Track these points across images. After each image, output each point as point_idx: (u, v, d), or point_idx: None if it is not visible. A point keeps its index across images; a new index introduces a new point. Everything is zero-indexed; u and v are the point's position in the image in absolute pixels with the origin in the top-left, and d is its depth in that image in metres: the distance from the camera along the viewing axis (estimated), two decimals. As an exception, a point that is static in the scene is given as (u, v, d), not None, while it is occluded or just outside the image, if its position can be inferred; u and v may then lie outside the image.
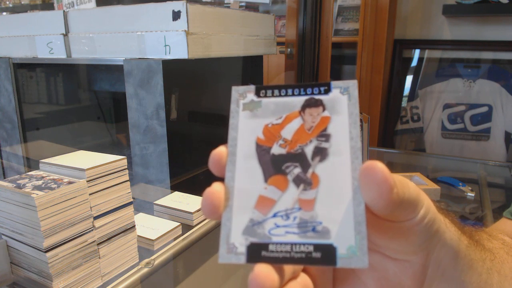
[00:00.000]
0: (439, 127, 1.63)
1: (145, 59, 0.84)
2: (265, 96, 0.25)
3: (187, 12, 0.78)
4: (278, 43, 1.19)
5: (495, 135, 1.54)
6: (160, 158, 0.86)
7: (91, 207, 0.54)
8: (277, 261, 0.21)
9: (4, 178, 0.66)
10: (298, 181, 0.23)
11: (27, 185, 0.51)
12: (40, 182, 0.52)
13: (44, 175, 0.55)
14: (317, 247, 0.21)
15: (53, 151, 1.10)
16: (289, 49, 1.48)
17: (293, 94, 0.24)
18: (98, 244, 0.56)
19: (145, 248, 0.67)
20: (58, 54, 0.98)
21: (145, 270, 0.62)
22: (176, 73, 0.88)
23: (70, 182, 0.52)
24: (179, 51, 0.80)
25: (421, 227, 0.24)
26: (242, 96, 0.25)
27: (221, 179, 0.24)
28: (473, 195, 0.92)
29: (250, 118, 0.24)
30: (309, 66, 1.49)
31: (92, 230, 0.55)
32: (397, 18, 1.64)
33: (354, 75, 1.63)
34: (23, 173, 0.56)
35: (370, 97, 1.58)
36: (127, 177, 0.59)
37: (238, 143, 0.24)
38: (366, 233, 0.21)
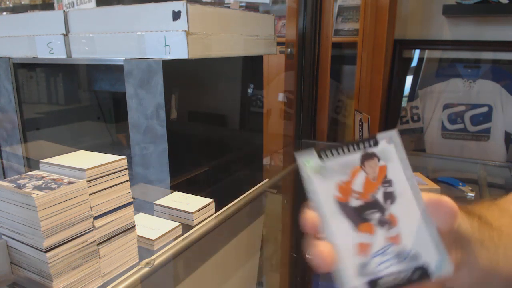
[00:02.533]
0: (439, 127, 1.63)
1: (145, 59, 0.84)
2: (327, 157, 0.29)
3: (187, 12, 0.78)
4: (278, 43, 1.19)
5: (495, 135, 1.54)
6: (160, 158, 0.86)
7: (91, 207, 0.54)
8: None
9: (4, 178, 0.66)
10: (381, 223, 0.28)
11: (27, 185, 0.51)
12: (40, 182, 0.52)
13: (44, 175, 0.55)
14: (415, 270, 0.27)
15: (53, 151, 1.10)
16: (289, 49, 1.48)
17: (349, 152, 0.29)
18: (98, 244, 0.56)
19: (145, 248, 0.67)
20: (58, 54, 0.98)
21: (145, 270, 0.62)
22: (176, 73, 0.88)
23: (70, 182, 0.52)
24: (179, 51, 0.80)
25: (453, 231, 0.29)
26: (307, 162, 0.29)
27: None
28: (473, 195, 0.92)
29: (322, 181, 0.29)
30: (309, 66, 1.49)
31: (92, 230, 0.55)
32: (397, 18, 1.64)
33: (354, 75, 1.63)
34: (23, 173, 0.56)
35: (370, 97, 1.58)
36: (127, 177, 0.59)
37: (323, 206, 0.28)
38: (444, 248, 0.27)
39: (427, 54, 1.66)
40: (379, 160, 0.28)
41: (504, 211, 0.38)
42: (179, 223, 0.73)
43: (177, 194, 0.84)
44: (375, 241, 0.28)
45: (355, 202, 0.28)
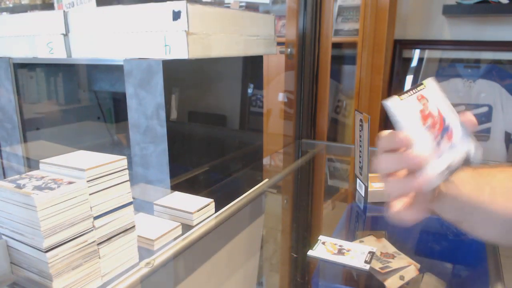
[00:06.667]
0: (439, 127, 1.63)
1: (145, 59, 0.84)
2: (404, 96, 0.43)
3: (187, 12, 0.78)
4: (278, 43, 1.19)
5: (495, 135, 1.54)
6: (160, 158, 0.86)
7: (91, 207, 0.54)
8: None
9: (4, 178, 0.66)
10: (444, 132, 0.43)
11: (27, 185, 0.51)
12: (40, 182, 0.52)
13: (44, 175, 0.55)
14: (463, 157, 0.42)
15: (53, 151, 1.10)
16: (289, 49, 1.48)
17: (413, 93, 0.42)
18: (98, 244, 0.56)
19: (145, 248, 0.67)
20: (58, 54, 0.98)
21: (145, 270, 0.62)
22: (176, 73, 0.88)
23: (70, 182, 0.52)
24: (179, 51, 0.80)
25: None
26: (393, 101, 0.42)
27: None
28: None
29: (407, 110, 0.42)
30: (309, 66, 1.49)
31: (92, 230, 0.55)
32: (397, 18, 1.64)
33: (354, 75, 1.63)
34: (23, 173, 0.56)
35: (370, 97, 1.58)
36: (127, 177, 0.59)
37: (412, 126, 0.42)
38: (476, 142, 0.41)
39: (427, 54, 1.66)
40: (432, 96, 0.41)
41: (496, 167, 0.44)
42: (179, 223, 0.73)
43: (177, 194, 0.84)
44: (442, 144, 0.40)
45: (428, 122, 0.40)
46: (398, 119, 0.40)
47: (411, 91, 0.41)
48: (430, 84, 0.41)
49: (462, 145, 0.41)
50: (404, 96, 0.41)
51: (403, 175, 0.41)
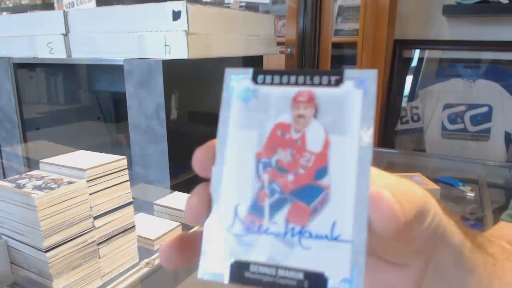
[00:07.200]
0: (439, 127, 1.63)
1: (145, 59, 0.84)
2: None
3: (187, 12, 0.78)
4: (278, 43, 1.19)
5: (495, 135, 1.54)
6: (160, 158, 0.86)
7: (91, 207, 0.54)
8: None
9: (4, 178, 0.66)
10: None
11: (27, 185, 0.51)
12: (40, 182, 0.52)
13: (44, 175, 0.55)
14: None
15: (53, 151, 1.10)
16: (289, 49, 1.48)
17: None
18: (98, 244, 0.56)
19: (145, 248, 0.67)
20: (58, 54, 0.98)
21: (145, 270, 0.62)
22: (176, 73, 0.88)
23: (70, 182, 0.52)
24: (179, 51, 0.80)
25: (426, 233, 0.22)
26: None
27: None
28: (473, 195, 0.92)
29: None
30: (309, 66, 1.49)
31: (92, 230, 0.55)
32: (397, 18, 1.64)
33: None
34: (23, 173, 0.56)
35: (370, 97, 1.58)
36: (127, 177, 0.59)
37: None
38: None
39: (427, 54, 1.66)
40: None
41: (492, 242, 0.31)
42: (179, 223, 0.73)
43: (177, 194, 0.84)
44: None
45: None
46: (221, 117, 0.21)
47: (293, 77, 0.19)
48: (352, 84, 0.18)
49: (323, 254, 0.17)
50: (267, 78, 0.20)
51: None
